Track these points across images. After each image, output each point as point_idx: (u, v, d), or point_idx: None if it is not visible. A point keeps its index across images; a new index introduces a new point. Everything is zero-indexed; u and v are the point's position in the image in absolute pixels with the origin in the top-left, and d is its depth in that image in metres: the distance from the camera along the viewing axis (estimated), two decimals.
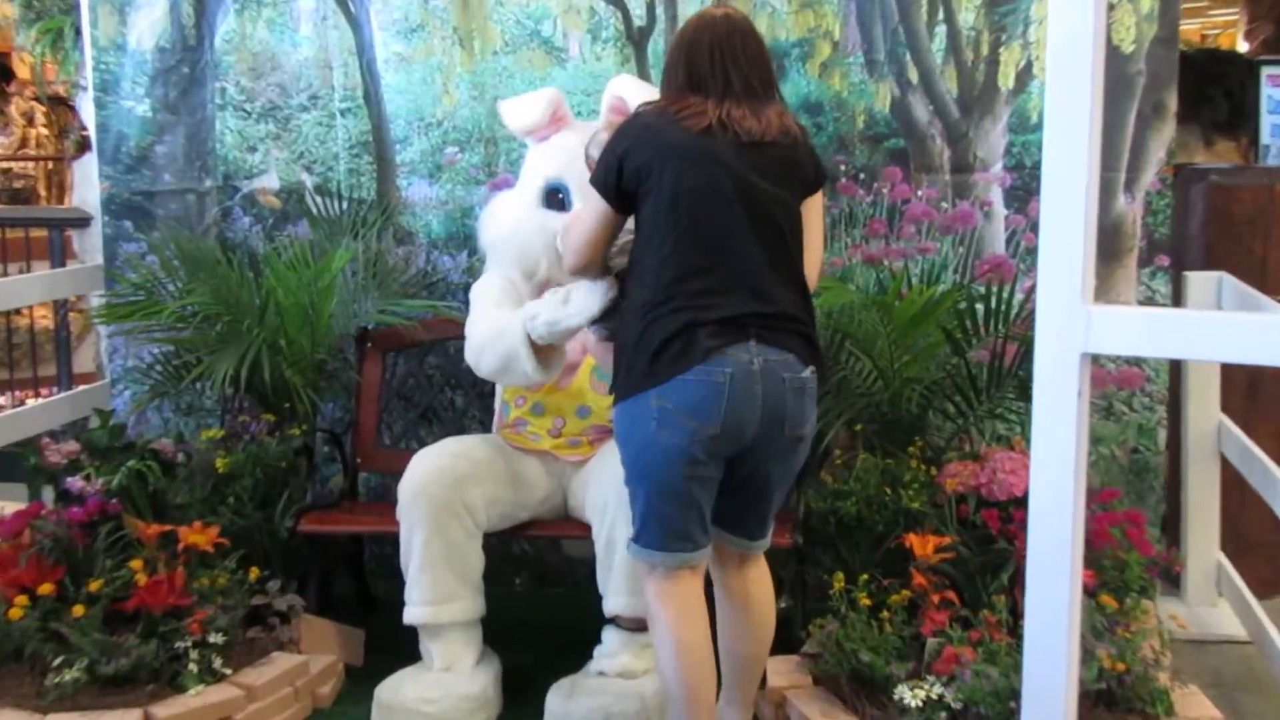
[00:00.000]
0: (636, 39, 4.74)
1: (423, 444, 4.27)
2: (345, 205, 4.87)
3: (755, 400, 2.98)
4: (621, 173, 3.05)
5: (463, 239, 4.85)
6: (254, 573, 4.14)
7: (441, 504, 3.76)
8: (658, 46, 4.73)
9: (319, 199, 4.89)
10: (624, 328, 3.08)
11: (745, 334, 3.00)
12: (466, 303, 4.11)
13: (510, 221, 3.99)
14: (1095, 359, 2.21)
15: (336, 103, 4.90)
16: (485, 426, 4.70)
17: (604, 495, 3.70)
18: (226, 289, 4.46)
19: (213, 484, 4.35)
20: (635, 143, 3.06)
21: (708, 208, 3.01)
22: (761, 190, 3.06)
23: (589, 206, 3.14)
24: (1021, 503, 3.84)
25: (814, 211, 3.22)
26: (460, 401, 4.88)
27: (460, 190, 4.89)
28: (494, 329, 3.61)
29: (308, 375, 4.49)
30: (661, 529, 3.08)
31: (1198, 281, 4.59)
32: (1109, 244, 4.64)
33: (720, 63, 3.05)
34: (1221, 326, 2.14)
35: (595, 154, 3.28)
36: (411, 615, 3.86)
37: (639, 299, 3.03)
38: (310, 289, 4.42)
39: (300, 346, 4.46)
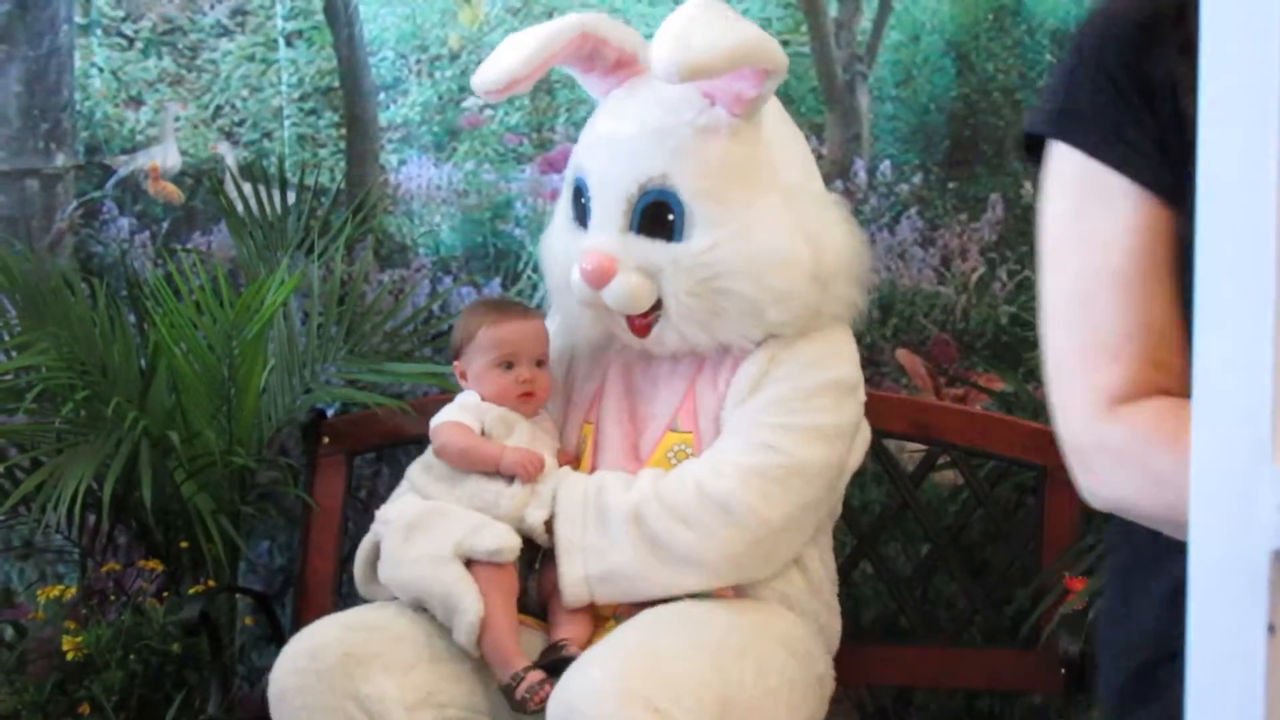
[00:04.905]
0: None
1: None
2: (293, 198, 4.35)
3: None
4: (1154, 98, 1.58)
5: (493, 258, 4.31)
6: None
7: (319, 705, 3.26)
8: None
9: (248, 187, 4.36)
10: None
11: None
12: None
13: (545, 253, 3.54)
14: None
15: (279, 23, 4.47)
16: None
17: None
18: (85, 344, 4.05)
19: (56, 681, 4.00)
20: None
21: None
22: None
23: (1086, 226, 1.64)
24: None
25: None
26: None
27: (490, 172, 4.32)
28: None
29: (221, 494, 4.02)
30: None
31: None
32: None
33: None
34: None
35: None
36: None
37: None
38: (228, 345, 3.92)
39: (207, 444, 3.99)
